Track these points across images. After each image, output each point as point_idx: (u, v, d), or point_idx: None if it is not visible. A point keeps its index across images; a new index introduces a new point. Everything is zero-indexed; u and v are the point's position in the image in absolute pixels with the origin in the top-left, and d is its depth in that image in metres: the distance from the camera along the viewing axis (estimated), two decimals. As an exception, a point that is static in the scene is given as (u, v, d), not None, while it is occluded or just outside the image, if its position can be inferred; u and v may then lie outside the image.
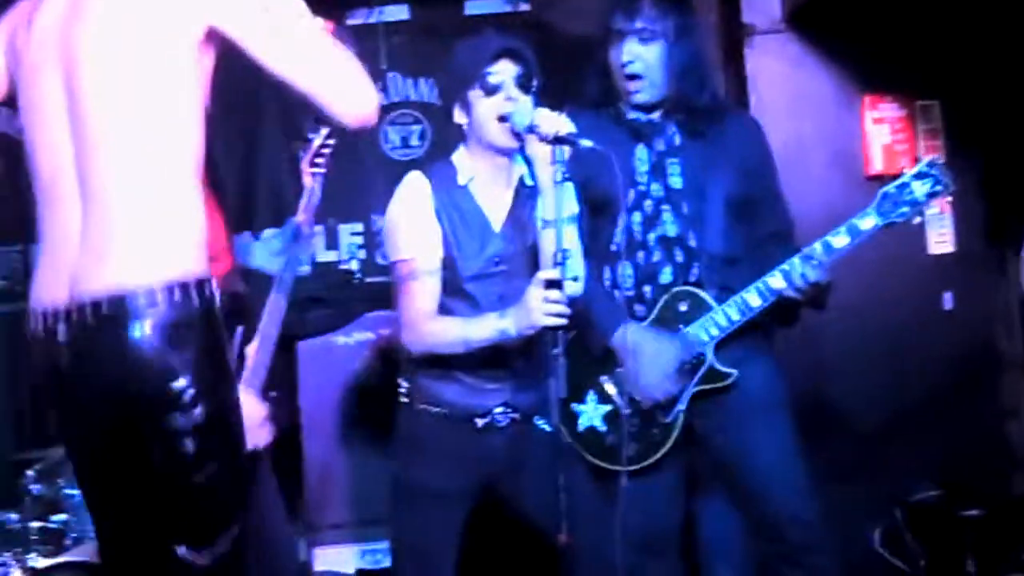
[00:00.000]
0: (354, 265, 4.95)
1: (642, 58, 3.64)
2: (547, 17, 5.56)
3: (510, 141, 3.35)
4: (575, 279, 3.27)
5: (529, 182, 3.45)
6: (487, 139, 3.40)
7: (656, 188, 3.70)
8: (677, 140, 3.72)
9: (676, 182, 3.70)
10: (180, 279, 2.36)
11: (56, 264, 2.45)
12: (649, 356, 3.61)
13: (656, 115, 3.72)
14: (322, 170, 3.60)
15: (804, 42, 5.21)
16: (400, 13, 5.61)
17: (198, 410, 2.36)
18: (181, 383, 2.35)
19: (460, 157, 3.48)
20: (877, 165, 5.19)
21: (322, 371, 4.90)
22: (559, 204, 3.11)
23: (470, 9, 5.62)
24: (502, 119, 3.34)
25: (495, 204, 3.46)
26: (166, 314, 2.33)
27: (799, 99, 5.21)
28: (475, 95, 3.38)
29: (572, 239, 3.29)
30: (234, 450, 2.50)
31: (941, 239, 5.25)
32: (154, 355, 2.33)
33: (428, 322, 3.37)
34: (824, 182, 5.12)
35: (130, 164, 2.38)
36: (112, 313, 2.34)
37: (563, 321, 3.11)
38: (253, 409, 3.15)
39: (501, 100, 3.35)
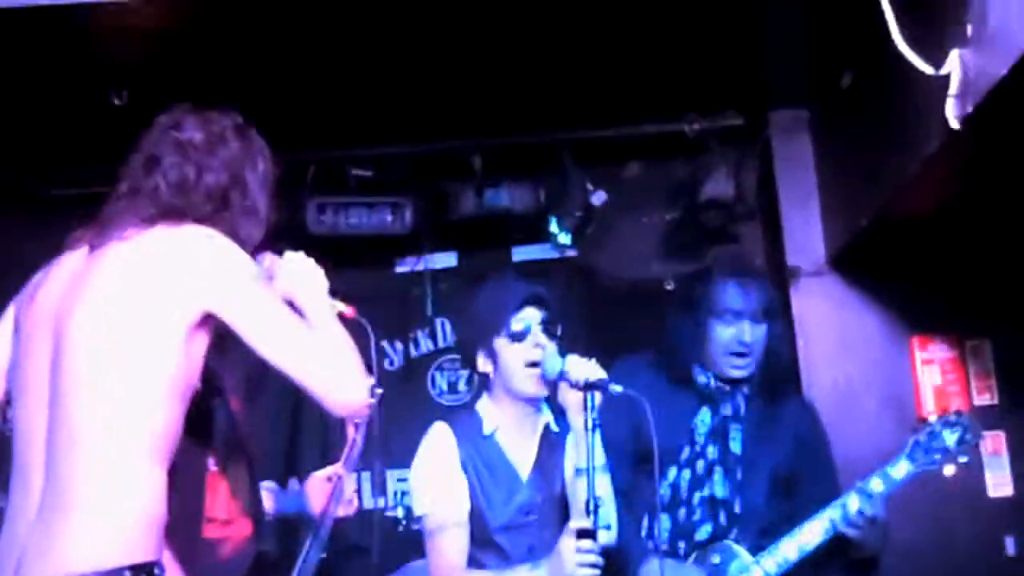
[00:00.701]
0: (399, 512, 4.88)
1: (753, 337, 3.68)
2: (595, 264, 5.62)
3: (539, 389, 3.35)
4: (607, 528, 3.21)
5: (555, 429, 3.42)
6: (514, 387, 3.38)
7: (712, 451, 3.69)
8: (742, 408, 3.72)
9: (735, 447, 3.69)
10: (116, 567, 2.28)
11: (10, 541, 2.40)
12: None
13: (727, 384, 3.72)
14: (362, 421, 3.58)
15: (849, 283, 5.23)
16: (448, 260, 5.71)
17: None
18: None
19: (484, 406, 3.46)
20: (929, 407, 5.10)
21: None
22: (591, 451, 3.07)
23: (517, 256, 5.69)
24: (531, 365, 3.33)
25: (521, 453, 3.43)
26: None
27: (846, 341, 5.19)
28: (501, 343, 3.38)
29: (604, 487, 3.24)
30: None
31: (1000, 482, 5.11)
32: None
33: None
34: (875, 425, 5.05)
35: (92, 446, 2.35)
36: None
37: (596, 572, 3.04)
38: None
39: (529, 347, 3.35)
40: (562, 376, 3.20)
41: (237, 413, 3.00)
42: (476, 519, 3.34)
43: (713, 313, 3.70)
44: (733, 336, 3.67)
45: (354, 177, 5.34)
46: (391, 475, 5.48)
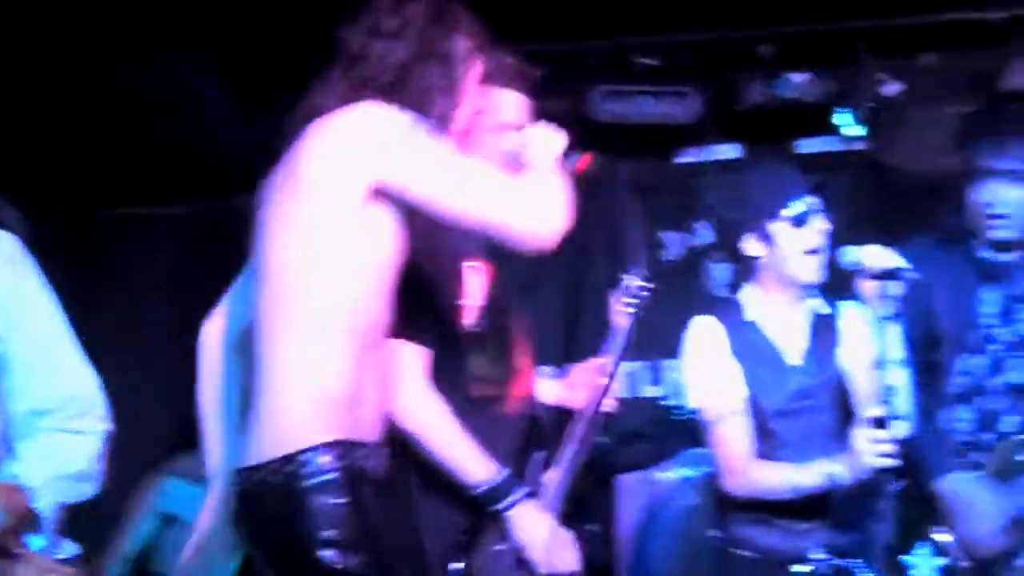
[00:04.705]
0: (674, 402, 4.92)
1: (1008, 199, 3.53)
2: (885, 157, 5.45)
3: (815, 276, 3.33)
4: (902, 419, 3.15)
5: (825, 311, 3.39)
6: (789, 273, 3.36)
7: (1004, 333, 3.54)
8: None
9: None
10: (311, 445, 2.38)
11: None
12: (974, 509, 3.43)
13: (1012, 256, 3.58)
14: (633, 311, 3.56)
15: None
16: (732, 152, 5.64)
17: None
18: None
19: (748, 293, 3.45)
20: None
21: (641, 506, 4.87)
22: (884, 341, 3.01)
23: (803, 148, 5.58)
24: (811, 252, 3.31)
25: (789, 338, 3.41)
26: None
27: None
28: (778, 227, 3.34)
29: (900, 377, 3.18)
30: None
31: None
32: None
33: (752, 467, 3.32)
34: None
35: (271, 326, 2.49)
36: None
37: (893, 461, 2.99)
38: (552, 534, 3.10)
39: (810, 233, 3.32)
40: (857, 265, 3.14)
41: (492, 283, 3.01)
42: (750, 406, 3.35)
43: (966, 177, 3.61)
44: (982, 196, 3.55)
45: (640, 65, 5.32)
46: (667, 364, 5.49)
